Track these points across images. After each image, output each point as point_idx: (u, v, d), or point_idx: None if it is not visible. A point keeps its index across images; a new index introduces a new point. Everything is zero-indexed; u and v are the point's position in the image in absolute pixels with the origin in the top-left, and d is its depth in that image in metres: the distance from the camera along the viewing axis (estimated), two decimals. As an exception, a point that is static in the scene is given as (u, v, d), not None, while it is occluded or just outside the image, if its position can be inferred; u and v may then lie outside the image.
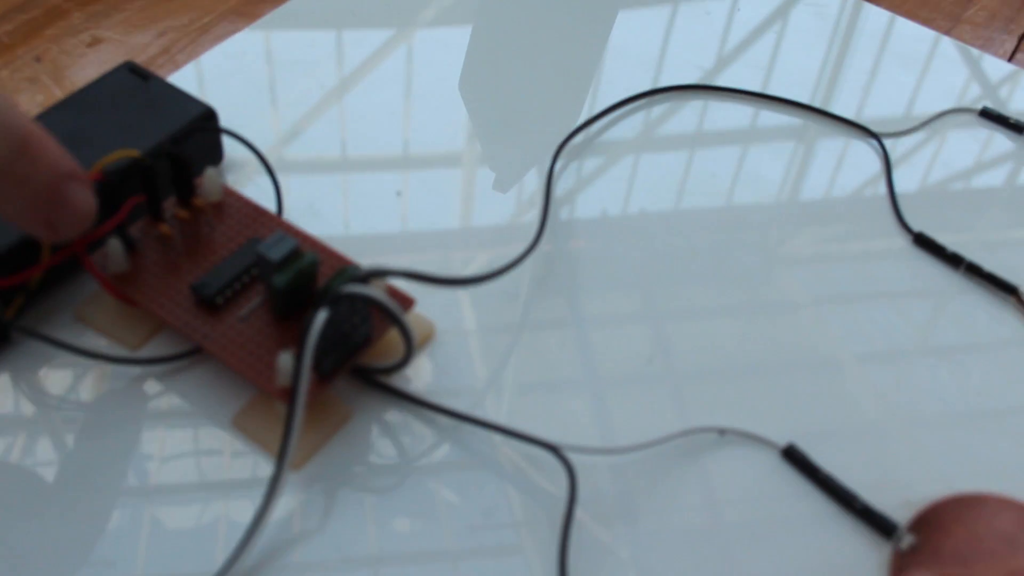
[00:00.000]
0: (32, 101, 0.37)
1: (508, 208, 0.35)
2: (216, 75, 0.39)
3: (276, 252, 0.28)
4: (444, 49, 0.41)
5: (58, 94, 0.37)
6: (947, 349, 0.33)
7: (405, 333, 0.27)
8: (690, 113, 0.40)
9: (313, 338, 0.25)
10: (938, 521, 0.28)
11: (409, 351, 0.28)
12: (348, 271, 0.27)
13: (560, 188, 0.36)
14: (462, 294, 0.32)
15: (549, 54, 0.41)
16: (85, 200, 0.24)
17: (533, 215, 0.34)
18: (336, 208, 0.35)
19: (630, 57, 0.42)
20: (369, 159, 0.36)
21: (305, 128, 0.37)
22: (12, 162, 0.23)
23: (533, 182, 0.36)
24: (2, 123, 0.22)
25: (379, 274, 0.27)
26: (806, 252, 0.35)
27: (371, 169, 0.36)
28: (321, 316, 0.26)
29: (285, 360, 0.26)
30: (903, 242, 0.36)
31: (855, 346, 0.33)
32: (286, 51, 0.40)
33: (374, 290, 0.26)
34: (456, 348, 0.31)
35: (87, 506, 0.27)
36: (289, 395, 0.26)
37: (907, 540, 0.27)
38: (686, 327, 0.33)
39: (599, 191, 0.36)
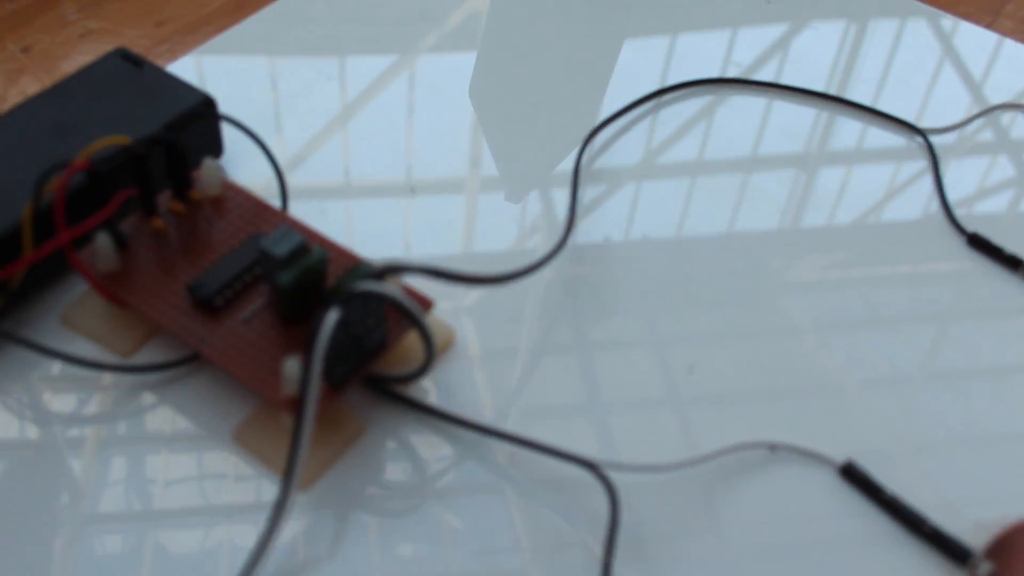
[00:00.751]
0: (21, 93, 0.34)
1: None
2: (216, 66, 0.36)
3: (281, 248, 0.25)
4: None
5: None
6: (1016, 367, 0.30)
7: (425, 337, 0.24)
8: (727, 109, 0.37)
9: (323, 342, 0.23)
10: (1019, 547, 0.25)
11: (429, 357, 0.25)
12: (361, 267, 0.25)
13: (585, 190, 0.33)
14: (481, 300, 0.30)
15: (558, 61, 0.39)
16: None
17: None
18: (340, 209, 0.32)
19: (635, 62, 0.39)
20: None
21: (311, 126, 0.35)
22: None
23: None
24: None
25: (396, 270, 0.24)
26: (864, 274, 0.33)
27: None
28: (332, 317, 0.23)
29: (292, 367, 0.24)
30: (957, 242, 0.33)
31: (907, 363, 0.30)
32: (287, 43, 0.38)
33: (391, 288, 0.24)
34: (477, 358, 0.28)
35: (75, 531, 0.24)
36: (296, 406, 0.23)
37: (984, 568, 0.25)
38: (727, 339, 0.30)
39: (624, 196, 0.34)
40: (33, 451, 0.25)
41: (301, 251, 0.25)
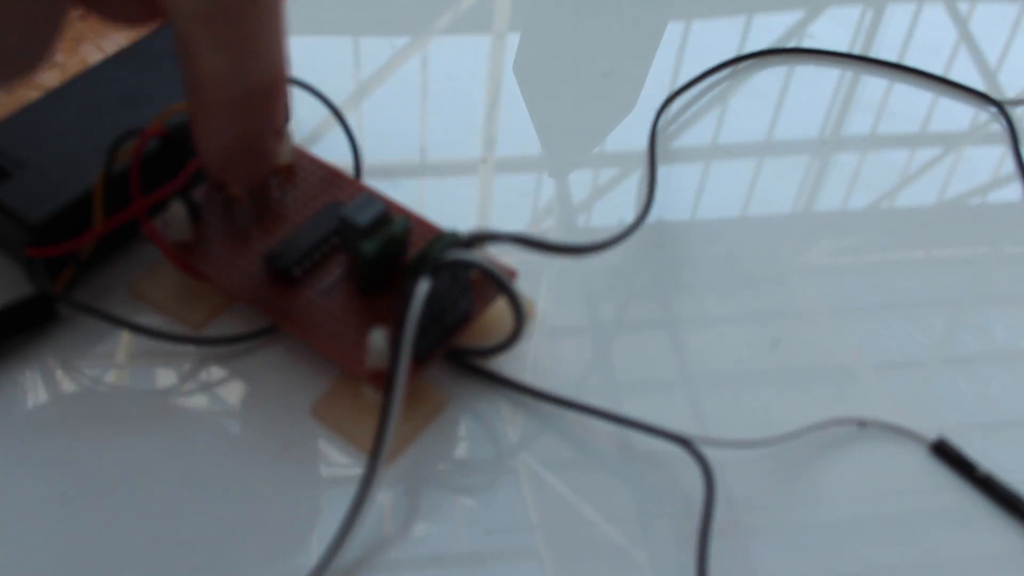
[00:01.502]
0: (81, 62, 0.33)
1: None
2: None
3: (363, 216, 0.24)
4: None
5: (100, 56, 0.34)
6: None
7: (516, 306, 0.23)
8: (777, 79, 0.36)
9: (415, 313, 0.22)
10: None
11: (519, 326, 0.24)
12: (447, 236, 0.24)
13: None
14: (553, 272, 0.29)
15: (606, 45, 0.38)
16: None
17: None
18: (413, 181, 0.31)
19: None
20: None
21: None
22: None
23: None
24: None
25: (485, 238, 0.23)
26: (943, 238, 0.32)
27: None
28: (423, 287, 0.22)
29: (378, 339, 0.23)
30: (1044, 215, 0.32)
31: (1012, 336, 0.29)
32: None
33: (482, 257, 0.23)
34: (557, 330, 0.27)
35: (152, 501, 0.23)
36: (382, 379, 0.23)
37: (1088, 548, 0.24)
38: (810, 312, 0.29)
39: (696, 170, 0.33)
40: (102, 423, 0.25)
41: (383, 220, 0.24)
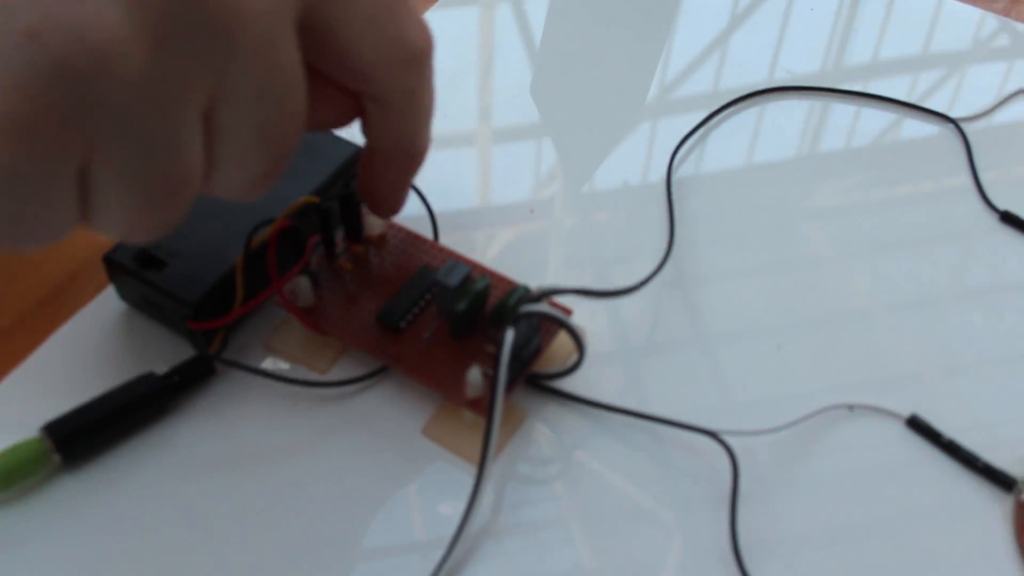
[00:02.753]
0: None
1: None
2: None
3: (453, 279, 0.31)
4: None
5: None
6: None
7: (578, 341, 0.31)
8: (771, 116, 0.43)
9: (506, 357, 0.29)
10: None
11: (581, 356, 0.31)
12: (519, 292, 0.31)
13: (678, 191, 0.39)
14: (603, 305, 0.36)
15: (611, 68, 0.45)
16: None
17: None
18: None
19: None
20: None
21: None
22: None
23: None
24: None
25: (551, 293, 0.31)
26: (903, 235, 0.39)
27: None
28: (510, 335, 0.29)
29: (474, 374, 0.30)
30: (991, 221, 0.39)
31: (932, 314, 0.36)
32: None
33: (549, 308, 0.30)
34: (602, 354, 0.35)
35: (306, 507, 0.30)
36: (480, 404, 0.30)
37: (1029, 492, 0.31)
38: (808, 300, 0.36)
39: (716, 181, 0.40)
40: (258, 454, 0.32)
41: (468, 280, 0.31)
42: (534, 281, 0.32)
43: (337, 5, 0.24)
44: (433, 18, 0.46)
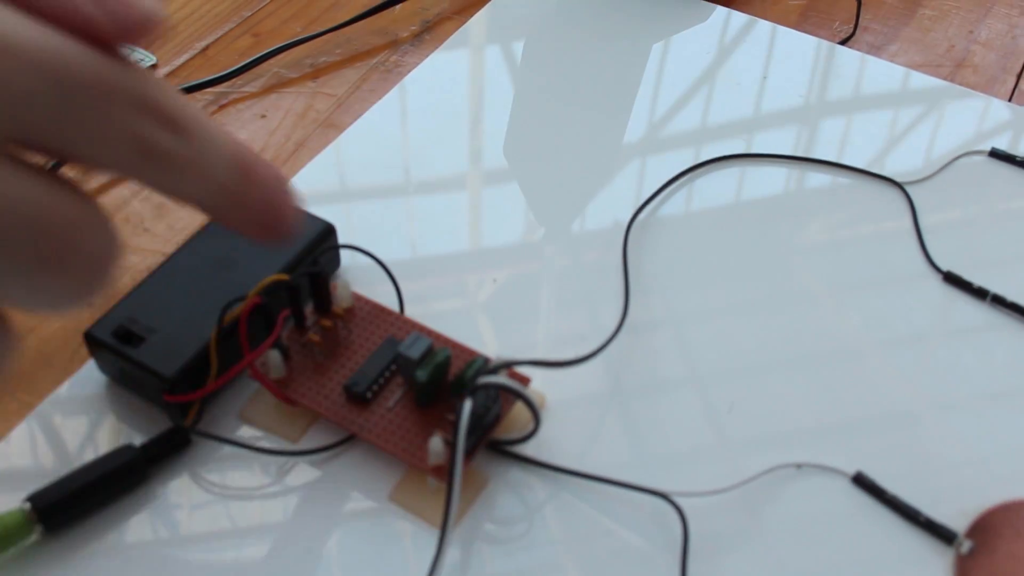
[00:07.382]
0: (168, 227, 0.42)
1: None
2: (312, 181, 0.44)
3: (415, 351, 0.33)
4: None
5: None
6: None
7: (533, 410, 0.32)
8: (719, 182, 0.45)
9: (464, 426, 0.31)
10: (991, 527, 0.33)
11: (536, 424, 0.33)
12: (478, 363, 0.33)
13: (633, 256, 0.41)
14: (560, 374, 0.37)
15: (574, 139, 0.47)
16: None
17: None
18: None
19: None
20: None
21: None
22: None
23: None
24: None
25: (508, 365, 0.32)
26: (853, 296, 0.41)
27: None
28: (467, 406, 0.31)
29: (436, 443, 0.32)
30: (935, 281, 0.41)
31: (900, 370, 0.38)
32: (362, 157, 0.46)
33: (505, 379, 0.32)
34: (561, 418, 0.36)
35: (274, 564, 0.32)
36: (442, 471, 0.31)
37: (966, 545, 0.33)
38: (768, 374, 0.38)
39: (672, 254, 0.42)
40: (233, 517, 0.33)
41: (430, 352, 0.33)
42: (501, 335, 0.34)
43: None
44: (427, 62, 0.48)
